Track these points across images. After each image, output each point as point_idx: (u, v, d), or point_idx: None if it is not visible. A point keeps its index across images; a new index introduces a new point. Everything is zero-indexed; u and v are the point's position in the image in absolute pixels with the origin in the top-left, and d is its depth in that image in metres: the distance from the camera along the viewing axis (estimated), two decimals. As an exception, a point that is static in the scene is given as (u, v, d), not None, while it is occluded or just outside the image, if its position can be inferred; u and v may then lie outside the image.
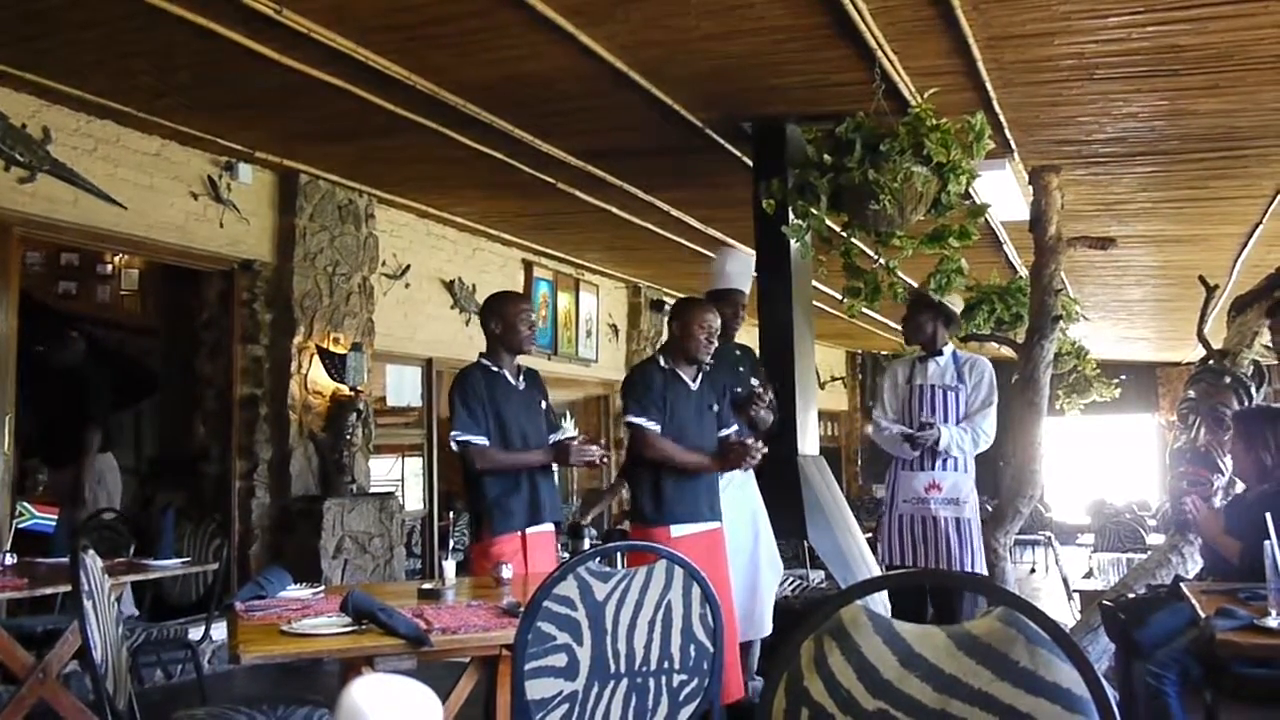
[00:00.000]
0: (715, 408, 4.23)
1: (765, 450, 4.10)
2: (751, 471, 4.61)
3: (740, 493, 4.56)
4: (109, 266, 8.29)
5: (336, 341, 7.16)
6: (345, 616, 2.73)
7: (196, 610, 5.84)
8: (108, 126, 5.85)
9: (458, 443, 3.79)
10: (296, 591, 3.31)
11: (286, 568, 3.58)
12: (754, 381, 4.67)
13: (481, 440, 3.78)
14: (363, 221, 7.49)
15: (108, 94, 5.45)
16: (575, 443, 3.93)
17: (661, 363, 4.16)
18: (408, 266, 8.15)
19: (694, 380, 4.16)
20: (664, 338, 4.39)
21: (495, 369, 3.92)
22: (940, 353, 4.83)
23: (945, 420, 4.70)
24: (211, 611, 4.95)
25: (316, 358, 7.01)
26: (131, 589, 5.46)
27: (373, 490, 7.45)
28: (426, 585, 3.35)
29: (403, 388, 8.55)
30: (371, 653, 2.62)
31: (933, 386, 4.77)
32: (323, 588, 3.42)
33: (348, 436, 7.01)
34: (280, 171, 6.88)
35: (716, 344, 4.11)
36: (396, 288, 8.08)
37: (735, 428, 4.29)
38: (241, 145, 6.35)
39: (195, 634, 4.88)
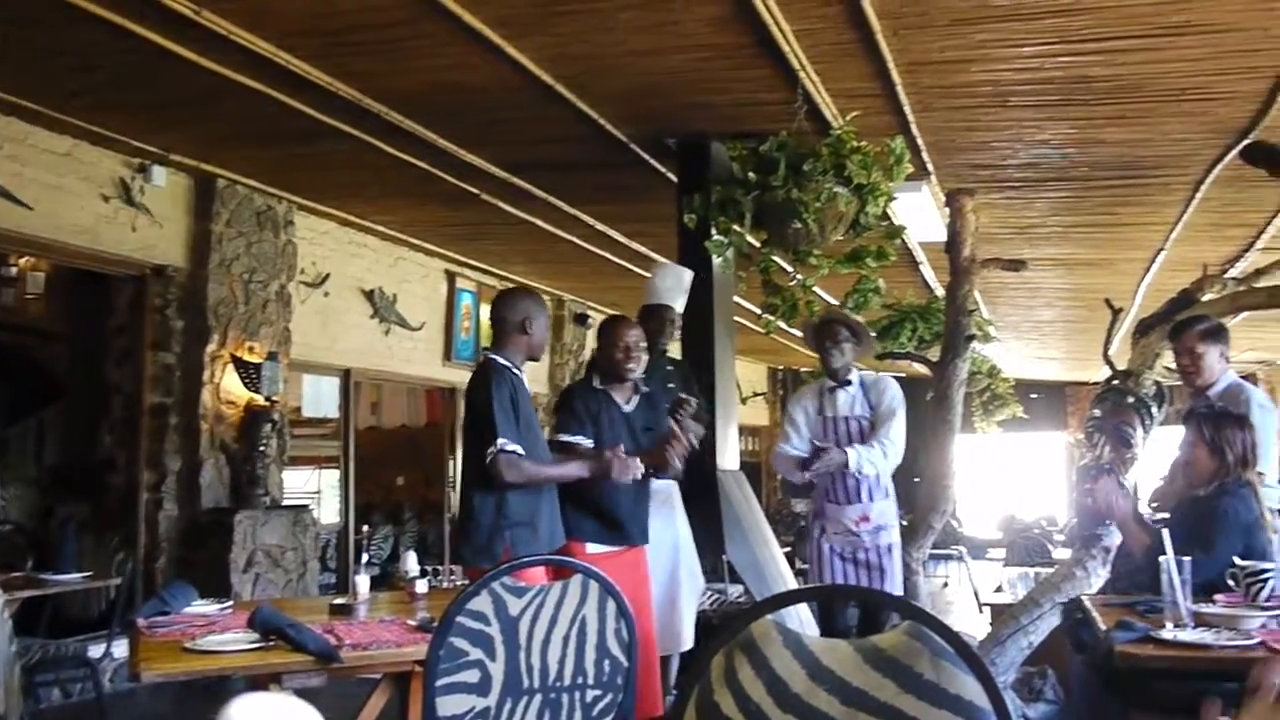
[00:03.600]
0: (652, 430, 4.17)
1: (693, 442, 3.98)
2: (676, 487, 4.62)
3: (663, 508, 4.57)
4: (13, 269, 7.99)
5: (252, 350, 7.01)
6: (253, 633, 2.67)
7: (98, 627, 5.64)
8: (14, 124, 5.66)
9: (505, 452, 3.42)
10: (202, 607, 3.23)
11: (193, 583, 3.49)
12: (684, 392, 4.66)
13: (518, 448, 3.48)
14: (281, 228, 7.35)
15: (16, 91, 5.28)
16: (618, 454, 3.64)
17: (596, 383, 4.10)
18: (327, 275, 8.02)
19: (628, 402, 4.09)
20: (586, 355, 4.36)
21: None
22: (849, 382, 4.73)
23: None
24: (113, 628, 4.80)
25: (230, 366, 6.86)
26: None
27: (287, 503, 7.29)
28: (339, 600, 3.29)
29: (320, 398, 8.40)
30: (279, 669, 2.57)
31: (845, 418, 4.69)
32: (230, 603, 3.34)
33: (261, 447, 6.86)
34: (196, 175, 6.72)
35: (641, 360, 4.01)
36: (315, 296, 7.94)
37: None
38: (156, 147, 6.19)
39: (95, 652, 4.72)
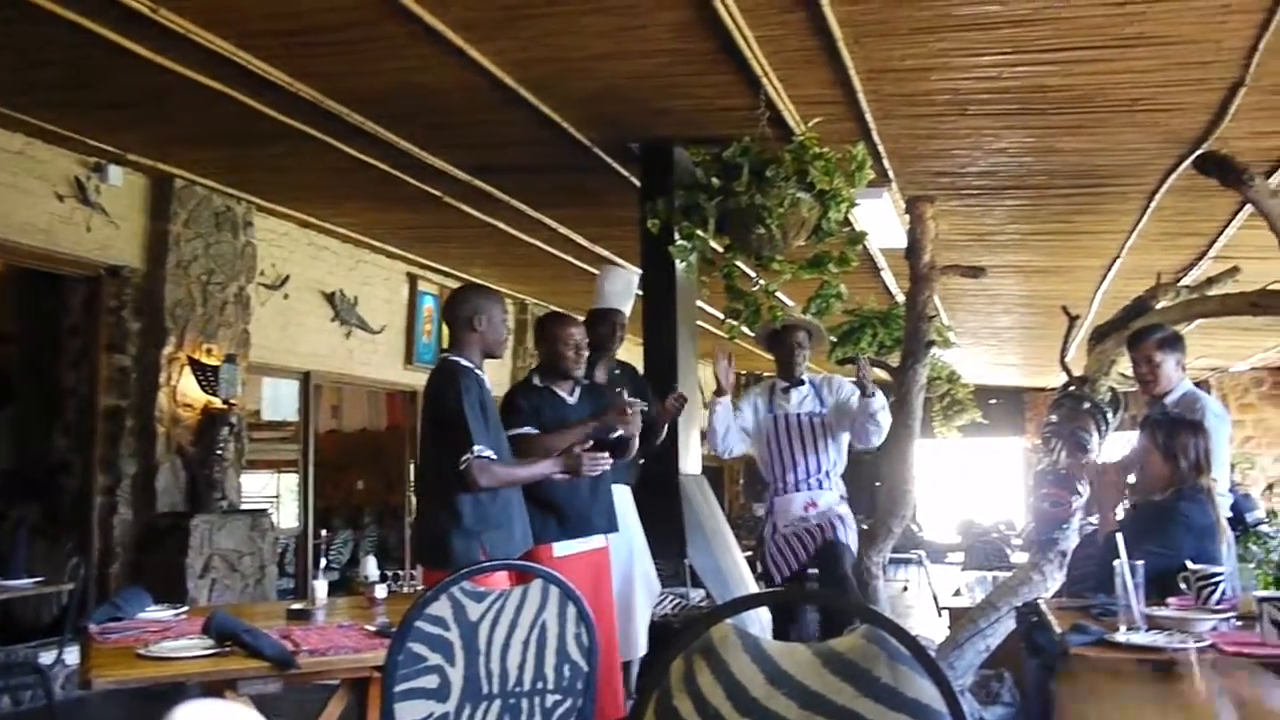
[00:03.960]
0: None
1: (640, 406, 3.94)
2: (629, 491, 4.62)
3: (617, 512, 4.56)
4: (-37, 269, 7.85)
5: (209, 352, 6.92)
6: (208, 639, 2.64)
7: (50, 633, 5.55)
8: (-35, 121, 5.56)
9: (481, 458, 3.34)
10: (156, 612, 3.19)
11: (148, 588, 3.44)
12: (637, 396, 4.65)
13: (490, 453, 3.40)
14: (240, 229, 7.27)
15: (-34, 87, 5.18)
16: (586, 450, 3.62)
17: (536, 381, 4.09)
18: (287, 277, 7.94)
19: (571, 395, 4.09)
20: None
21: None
22: (802, 382, 4.95)
23: (815, 443, 4.83)
24: (65, 634, 4.72)
25: (188, 369, 6.77)
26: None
27: (244, 507, 7.20)
28: (296, 605, 3.26)
29: (279, 401, 8.32)
30: (234, 676, 2.54)
31: (799, 414, 4.88)
32: (185, 608, 3.29)
33: (219, 451, 6.78)
34: (153, 175, 6.63)
35: (583, 356, 4.03)
36: (275, 298, 7.86)
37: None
38: (112, 146, 6.10)
39: (47, 658, 4.65)
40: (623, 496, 4.55)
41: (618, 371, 4.78)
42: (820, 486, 4.81)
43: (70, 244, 6.22)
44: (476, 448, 3.32)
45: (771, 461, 4.93)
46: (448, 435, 3.39)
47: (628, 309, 4.78)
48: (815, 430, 4.87)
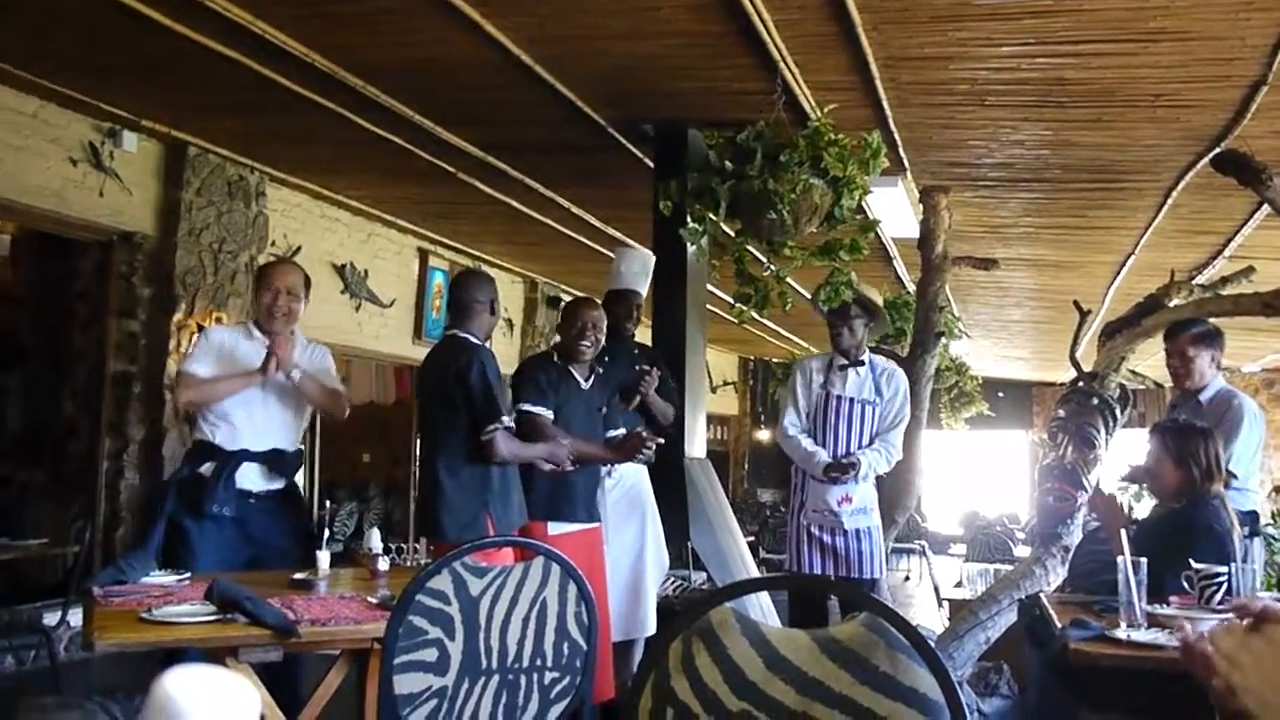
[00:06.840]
0: (604, 410, 4.25)
1: (658, 442, 4.15)
2: (645, 472, 4.62)
3: (632, 493, 4.57)
4: (-24, 231, 7.87)
5: (219, 321, 6.92)
6: (210, 605, 2.65)
7: (55, 595, 5.59)
8: (-20, 83, 5.56)
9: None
10: (160, 577, 3.20)
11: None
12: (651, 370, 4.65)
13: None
14: (253, 199, 7.27)
15: (-18, 49, 5.18)
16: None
17: (555, 358, 4.20)
18: (298, 248, 7.94)
19: (586, 380, 4.19)
20: (557, 337, 4.39)
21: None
22: (862, 363, 4.70)
23: (861, 434, 4.67)
24: (69, 596, 4.75)
25: (196, 336, 6.78)
26: None
27: (250, 476, 7.22)
28: (299, 575, 3.27)
29: (287, 372, 8.32)
30: (235, 643, 2.55)
31: (851, 399, 4.66)
32: (188, 574, 3.31)
33: (226, 419, 6.79)
34: (168, 142, 6.63)
35: (598, 342, 4.12)
36: (285, 269, 7.85)
37: (623, 431, 4.31)
38: (127, 112, 6.09)
39: (51, 619, 4.68)
40: (639, 474, 4.57)
41: (637, 353, 4.80)
42: (856, 480, 4.60)
43: (82, 209, 6.23)
44: (506, 418, 3.58)
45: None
46: (470, 408, 3.58)
47: (644, 290, 4.78)
48: (864, 421, 4.64)
